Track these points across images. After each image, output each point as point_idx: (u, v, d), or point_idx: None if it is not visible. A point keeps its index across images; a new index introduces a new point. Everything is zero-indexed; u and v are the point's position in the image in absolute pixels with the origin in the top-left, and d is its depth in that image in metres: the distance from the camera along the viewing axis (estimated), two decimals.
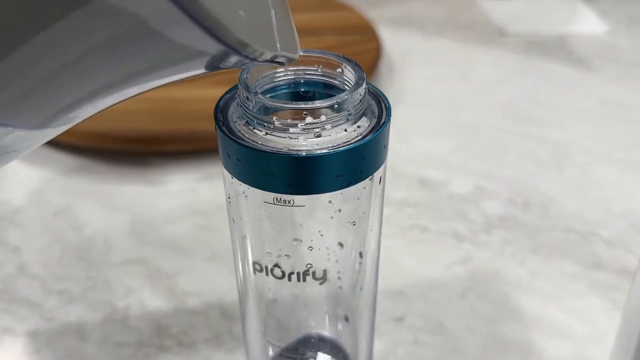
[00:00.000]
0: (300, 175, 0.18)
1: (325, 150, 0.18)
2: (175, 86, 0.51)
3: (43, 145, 0.48)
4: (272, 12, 0.17)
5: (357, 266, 0.23)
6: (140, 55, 0.15)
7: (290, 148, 0.18)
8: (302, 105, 0.18)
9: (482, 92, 0.56)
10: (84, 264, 0.38)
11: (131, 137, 0.45)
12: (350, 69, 0.20)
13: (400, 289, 0.36)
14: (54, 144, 0.47)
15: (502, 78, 0.58)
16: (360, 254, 0.22)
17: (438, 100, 0.54)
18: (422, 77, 0.57)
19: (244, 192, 0.20)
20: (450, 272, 0.37)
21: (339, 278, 0.23)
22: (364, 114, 0.20)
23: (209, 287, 0.36)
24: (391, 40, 0.61)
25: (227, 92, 0.21)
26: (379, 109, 0.20)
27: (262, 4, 0.17)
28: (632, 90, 0.55)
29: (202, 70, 0.16)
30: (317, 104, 0.18)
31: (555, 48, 0.62)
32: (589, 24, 0.66)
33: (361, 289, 0.23)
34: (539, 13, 0.70)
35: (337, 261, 0.22)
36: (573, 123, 0.51)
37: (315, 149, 0.18)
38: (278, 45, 0.17)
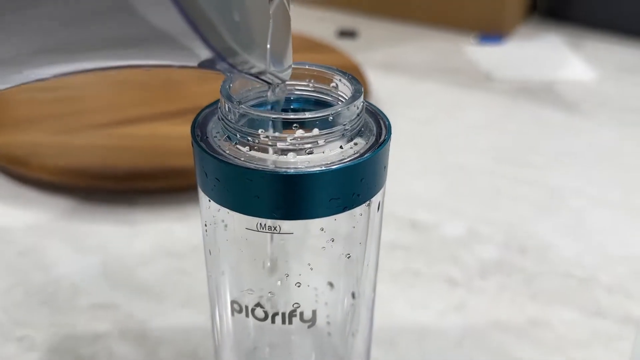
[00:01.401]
0: (288, 197, 0.16)
1: (318, 168, 0.16)
2: (157, 122, 0.49)
3: (10, 181, 0.45)
4: (271, 23, 0.16)
5: (349, 308, 0.20)
6: (107, 24, 0.13)
7: (277, 165, 0.16)
8: (293, 116, 0.16)
9: (470, 135, 0.54)
10: (48, 308, 0.35)
11: (106, 174, 0.43)
12: (346, 83, 0.18)
13: (391, 338, 0.33)
14: (21, 179, 0.45)
15: (491, 121, 0.57)
16: (353, 295, 0.20)
17: (426, 142, 0.53)
18: (409, 119, 0.56)
19: (222, 220, 0.18)
20: (445, 319, 0.34)
21: (328, 323, 0.20)
22: (360, 133, 0.18)
23: (182, 335, 0.33)
24: (378, 82, 0.60)
25: (206, 107, 0.19)
26: (378, 128, 0.18)
27: (262, 11, 0.15)
28: (623, 136, 0.54)
29: (176, 63, 0.14)
30: (310, 115, 0.16)
31: (543, 93, 0.61)
32: (577, 71, 0.66)
33: (353, 335, 0.21)
34: (525, 60, 0.70)
35: (326, 303, 0.19)
36: (565, 167, 0.49)
37: (306, 167, 0.16)
38: (268, 61, 0.15)
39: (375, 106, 0.19)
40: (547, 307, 0.35)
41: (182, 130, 0.48)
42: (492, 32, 0.74)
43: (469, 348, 0.33)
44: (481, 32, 0.74)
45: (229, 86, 0.17)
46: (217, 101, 0.18)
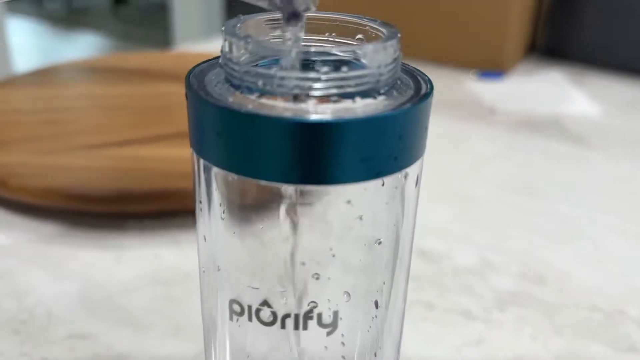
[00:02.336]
0: (308, 154, 0.12)
1: (347, 117, 0.13)
2: (145, 145, 0.46)
3: None
4: None
5: (374, 318, 0.16)
6: None
7: (295, 114, 0.13)
8: (315, 50, 0.13)
9: (477, 165, 0.52)
10: (19, 338, 0.31)
11: (90, 196, 0.40)
12: (378, 28, 0.15)
13: None
14: (1, 202, 0.42)
15: (497, 153, 0.54)
16: (376, 304, 0.16)
17: (432, 172, 0.50)
18: None
19: (221, 189, 0.14)
20: (462, 355, 0.31)
21: (342, 335, 0.16)
22: (396, 86, 0.15)
23: None
24: None
25: (202, 62, 0.16)
26: (416, 83, 0.15)
27: None
28: (634, 167, 0.52)
29: None
30: (337, 51, 0.13)
31: (548, 126, 0.59)
32: (581, 106, 0.65)
33: (375, 355, 0.17)
34: (528, 94, 0.68)
35: (347, 302, 0.16)
36: (578, 197, 0.47)
37: (332, 115, 0.13)
38: None
39: (409, 65, 0.16)
40: (573, 343, 0.32)
41: (172, 153, 0.45)
42: (493, 69, 0.73)
43: None
44: (481, 69, 0.73)
45: (236, 25, 0.14)
46: (215, 57, 0.16)
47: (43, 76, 0.60)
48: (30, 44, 2.63)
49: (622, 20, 0.72)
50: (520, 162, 0.53)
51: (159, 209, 0.40)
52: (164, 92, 0.56)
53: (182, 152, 0.45)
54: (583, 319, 0.34)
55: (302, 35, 0.14)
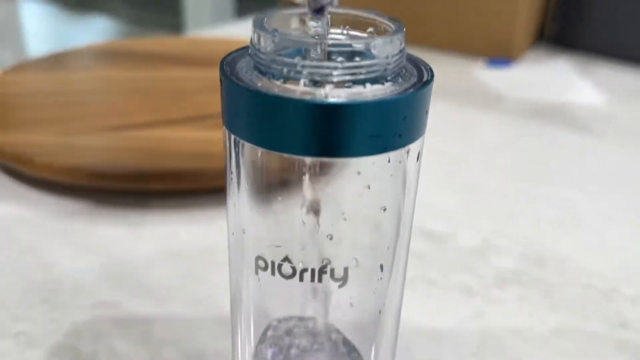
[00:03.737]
0: (325, 130, 0.15)
1: (359, 99, 0.15)
2: (163, 127, 0.48)
3: (14, 180, 0.44)
4: None
5: (379, 279, 0.19)
6: None
7: (314, 97, 0.15)
8: (332, 41, 0.15)
9: (484, 153, 0.53)
10: (48, 306, 0.33)
11: (112, 174, 0.42)
12: (386, 22, 0.17)
13: (406, 346, 0.31)
14: (28, 181, 0.44)
15: (503, 140, 0.56)
16: (381, 267, 0.18)
17: (438, 159, 0.52)
18: None
19: (249, 161, 0.17)
20: (462, 328, 0.33)
21: (351, 289, 0.19)
22: (402, 74, 0.17)
23: (188, 335, 0.31)
24: None
25: (233, 51, 0.18)
26: (419, 72, 0.17)
27: None
28: (639, 155, 0.54)
29: None
30: (351, 42, 0.15)
31: (554, 115, 0.61)
32: (586, 94, 0.66)
33: (380, 312, 0.19)
34: (535, 82, 0.69)
35: (356, 261, 0.18)
36: (582, 184, 0.48)
37: (346, 98, 0.15)
38: None
39: (413, 55, 0.18)
40: (569, 319, 0.34)
41: (190, 134, 0.47)
42: (501, 57, 0.74)
43: (487, 358, 0.31)
44: (489, 57, 0.74)
45: (263, 19, 0.16)
46: (245, 47, 0.18)
47: (59, 60, 0.62)
48: (43, 28, 2.65)
49: (630, 10, 0.73)
50: (527, 149, 0.55)
51: (177, 187, 0.42)
52: (178, 77, 0.57)
53: (198, 134, 0.47)
54: (579, 297, 0.36)
55: (327, 27, 0.16)
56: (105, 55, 0.64)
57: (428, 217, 0.42)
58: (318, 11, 0.16)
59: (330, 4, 0.16)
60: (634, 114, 0.62)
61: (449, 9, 0.75)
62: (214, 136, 0.45)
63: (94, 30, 2.69)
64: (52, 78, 0.57)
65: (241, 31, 0.80)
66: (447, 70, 0.71)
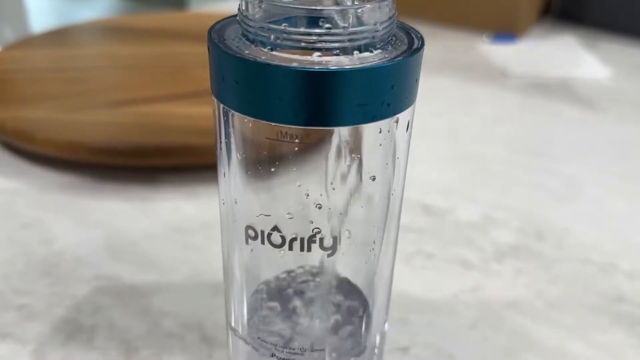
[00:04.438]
0: (313, 99, 0.15)
1: (347, 67, 0.15)
2: (164, 102, 0.48)
3: (15, 156, 0.44)
4: None
5: (372, 244, 0.19)
6: None
7: (302, 64, 0.15)
8: (320, 8, 0.15)
9: (485, 126, 0.53)
10: (49, 279, 0.34)
11: (113, 150, 0.42)
12: None
13: (404, 317, 0.32)
14: (28, 156, 0.44)
15: (505, 115, 0.56)
16: (372, 237, 0.18)
17: (440, 133, 0.52)
18: (422, 111, 0.55)
19: (238, 131, 0.17)
20: (459, 300, 0.33)
21: (342, 254, 0.19)
22: (391, 42, 0.17)
23: (188, 308, 0.32)
24: None
25: (222, 19, 0.18)
26: (409, 39, 0.17)
27: None
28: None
29: None
30: (339, 8, 0.15)
31: (558, 89, 0.60)
32: (591, 69, 0.65)
33: (375, 273, 0.19)
34: (539, 57, 0.69)
35: (348, 232, 0.18)
36: (582, 158, 0.48)
37: (333, 65, 0.15)
38: None
39: (405, 23, 0.18)
40: (565, 292, 0.34)
41: (190, 110, 0.47)
42: (506, 32, 0.73)
43: (483, 329, 0.31)
44: (495, 31, 0.73)
45: None
46: (233, 15, 0.17)
47: (60, 36, 0.61)
48: (44, 4, 2.64)
49: None
50: (529, 124, 0.54)
51: (178, 163, 0.42)
52: (180, 52, 0.57)
53: (200, 110, 0.47)
54: (577, 271, 0.36)
55: None
56: (107, 31, 0.64)
57: (427, 191, 0.42)
58: None
59: None
60: (638, 88, 0.61)
61: None
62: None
63: (97, 5, 2.67)
64: (53, 54, 0.57)
65: None
66: (451, 45, 0.70)
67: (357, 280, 0.20)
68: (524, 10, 0.73)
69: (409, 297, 0.33)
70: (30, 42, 0.60)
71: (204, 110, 0.46)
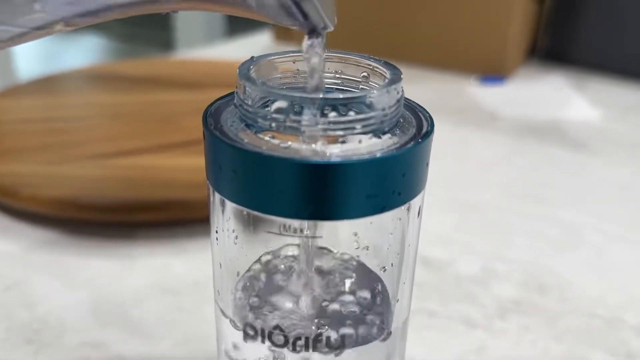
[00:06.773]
0: (318, 192, 0.13)
1: (354, 158, 0.14)
2: (151, 154, 0.47)
3: None
4: None
5: (381, 339, 0.17)
6: None
7: (306, 154, 0.14)
8: (324, 96, 0.14)
9: (479, 172, 0.53)
10: (32, 347, 0.32)
11: (99, 205, 0.40)
12: (381, 69, 0.16)
13: None
14: (11, 212, 0.42)
15: (499, 159, 0.55)
16: (382, 326, 0.17)
17: (434, 179, 0.51)
18: None
19: (236, 226, 0.15)
20: None
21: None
22: (399, 125, 0.15)
23: None
24: None
25: (218, 99, 0.17)
26: (418, 121, 0.16)
27: None
28: (635, 172, 0.53)
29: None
30: (344, 96, 0.14)
31: (549, 132, 0.60)
32: (581, 110, 0.65)
33: None
34: (529, 99, 0.69)
35: (355, 330, 0.17)
36: (580, 204, 0.47)
37: (340, 156, 0.14)
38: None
39: (413, 101, 0.17)
40: (573, 349, 0.33)
41: (179, 162, 0.46)
42: (494, 73, 0.73)
43: None
44: (482, 73, 0.73)
45: (249, 67, 0.15)
46: (230, 93, 0.16)
47: (47, 84, 0.60)
48: (33, 46, 2.64)
49: (623, 24, 0.73)
50: (523, 168, 0.54)
51: (166, 218, 0.41)
52: (168, 100, 0.56)
53: (188, 161, 0.45)
54: (583, 326, 0.34)
55: (323, 51, 0.15)
56: (94, 78, 0.63)
57: (425, 243, 0.41)
58: (312, 32, 0.15)
59: (325, 28, 0.15)
60: (629, 129, 0.61)
61: (441, 26, 0.74)
62: (203, 163, 0.44)
63: (85, 48, 2.68)
64: (38, 104, 0.56)
65: (231, 50, 0.80)
66: (439, 87, 0.70)
67: None
68: (511, 51, 0.74)
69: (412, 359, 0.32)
70: (17, 91, 0.58)
71: (194, 161, 0.45)
